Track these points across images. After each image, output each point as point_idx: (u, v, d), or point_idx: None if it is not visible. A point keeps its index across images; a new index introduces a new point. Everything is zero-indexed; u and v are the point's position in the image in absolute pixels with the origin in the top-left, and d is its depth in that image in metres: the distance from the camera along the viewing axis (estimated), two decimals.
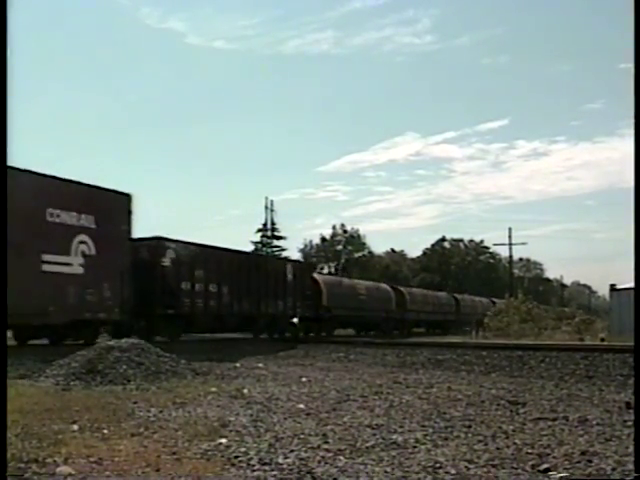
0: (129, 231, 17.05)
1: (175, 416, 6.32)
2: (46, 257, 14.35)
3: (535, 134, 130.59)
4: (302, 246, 66.07)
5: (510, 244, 56.06)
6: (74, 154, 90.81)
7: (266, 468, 4.30)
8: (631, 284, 21.75)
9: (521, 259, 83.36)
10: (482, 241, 76.92)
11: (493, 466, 4.34)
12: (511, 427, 5.80)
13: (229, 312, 21.21)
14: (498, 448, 4.88)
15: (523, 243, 65.00)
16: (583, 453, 4.67)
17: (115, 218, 16.56)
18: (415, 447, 4.94)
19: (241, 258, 23.26)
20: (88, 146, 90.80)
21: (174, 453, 4.67)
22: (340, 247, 67.92)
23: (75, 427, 5.57)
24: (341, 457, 4.59)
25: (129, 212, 17.00)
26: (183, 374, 9.92)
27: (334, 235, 68.30)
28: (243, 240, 58.82)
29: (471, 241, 78.24)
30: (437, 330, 39.33)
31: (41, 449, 4.68)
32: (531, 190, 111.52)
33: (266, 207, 49.51)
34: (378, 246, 74.18)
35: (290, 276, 24.84)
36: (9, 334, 15.64)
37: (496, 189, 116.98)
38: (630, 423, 5.85)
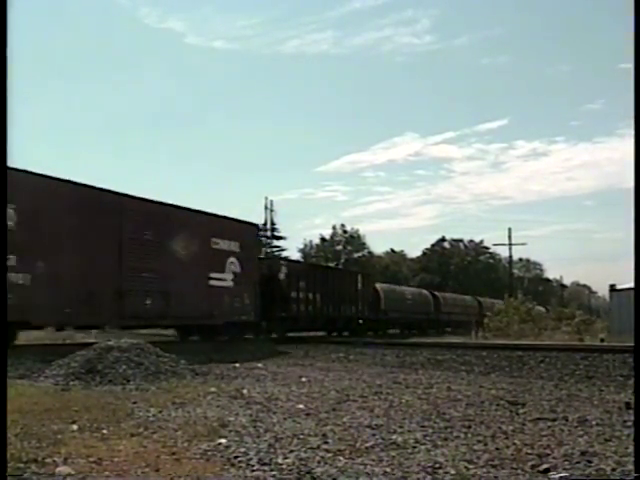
0: (258, 252, 22.42)
1: (174, 416, 6.32)
2: (212, 275, 18.91)
3: (534, 134, 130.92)
4: (302, 246, 66.15)
5: (510, 244, 56.07)
6: (73, 153, 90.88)
7: (265, 468, 4.30)
8: (631, 284, 21.75)
9: (521, 259, 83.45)
10: (482, 241, 77.01)
11: (493, 466, 4.34)
12: (511, 427, 5.80)
13: (320, 314, 26.44)
14: (498, 448, 4.88)
15: (523, 243, 65.21)
16: (583, 453, 4.67)
17: (250, 243, 21.50)
18: (415, 447, 4.94)
19: (328, 271, 31.11)
20: (87, 145, 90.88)
21: (173, 453, 4.67)
22: (340, 247, 67.97)
23: (74, 427, 5.57)
24: (341, 457, 4.59)
25: (258, 238, 22.75)
26: (183, 374, 9.92)
27: (334, 235, 68.38)
28: None
29: (471, 241, 78.32)
30: (461, 330, 41.09)
31: (40, 449, 4.68)
32: (530, 190, 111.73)
33: (266, 207, 49.58)
34: (378, 246, 74.34)
35: (360, 285, 30.35)
36: (170, 332, 22.02)
37: (495, 189, 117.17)
38: (630, 423, 5.85)
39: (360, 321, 29.98)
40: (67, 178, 14.81)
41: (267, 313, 21.89)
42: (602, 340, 23.01)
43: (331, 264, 64.35)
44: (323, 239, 68.50)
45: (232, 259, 19.72)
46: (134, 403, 7.11)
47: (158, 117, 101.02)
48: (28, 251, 13.30)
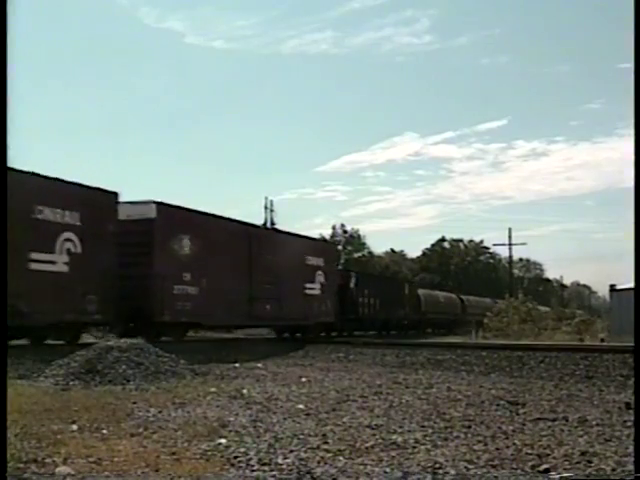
0: (338, 265, 28.49)
1: (174, 416, 6.32)
2: (306, 285, 23.12)
3: (534, 134, 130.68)
4: None
5: (510, 244, 56.08)
6: (73, 153, 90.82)
7: (265, 468, 4.30)
8: (631, 284, 21.75)
9: (521, 259, 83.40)
10: (482, 241, 76.95)
11: (493, 466, 4.34)
12: (511, 427, 5.80)
13: (378, 317, 30.86)
14: (498, 448, 4.88)
15: (523, 243, 64.85)
16: (583, 453, 4.67)
17: (331, 258, 26.39)
18: (415, 447, 4.93)
19: (383, 280, 37.40)
20: (86, 145, 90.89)
21: (173, 453, 4.67)
22: (340, 247, 67.90)
23: (74, 427, 5.57)
24: (341, 457, 4.59)
25: (338, 253, 28.20)
26: (182, 374, 9.92)
27: (334, 235, 68.30)
28: None
29: (471, 241, 78.26)
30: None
31: (40, 449, 4.68)
32: (530, 190, 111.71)
33: (266, 207, 49.56)
34: (378, 246, 74.23)
35: (406, 291, 35.91)
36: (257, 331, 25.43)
37: (495, 189, 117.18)
38: (630, 423, 5.85)
39: (405, 322, 35.03)
40: (221, 215, 19.63)
41: (341, 315, 26.19)
42: (602, 340, 23.01)
43: None
44: (323, 239, 68.49)
45: (319, 272, 24.07)
46: (134, 403, 7.11)
47: (157, 117, 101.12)
48: (197, 270, 17.34)
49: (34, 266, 13.71)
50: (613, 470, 4.23)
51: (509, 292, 46.04)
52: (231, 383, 9.41)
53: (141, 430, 5.53)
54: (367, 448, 4.90)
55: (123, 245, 15.32)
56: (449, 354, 15.34)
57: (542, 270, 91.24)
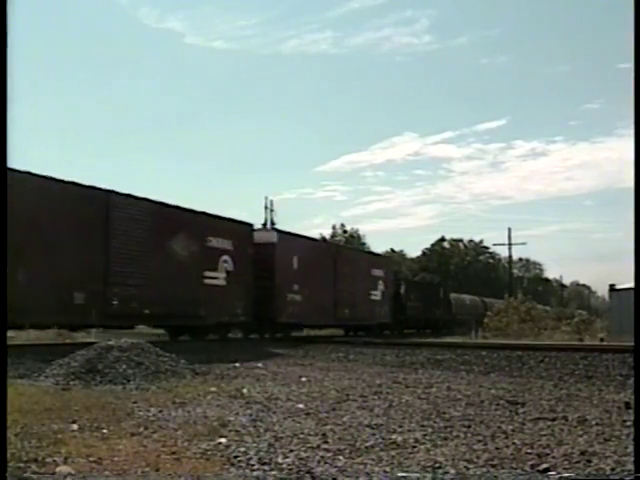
0: (393, 276, 33.38)
1: (175, 416, 6.33)
2: (371, 292, 28.82)
3: (533, 134, 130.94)
4: None
5: (510, 244, 56.13)
6: (72, 154, 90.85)
7: (265, 468, 4.30)
8: (631, 284, 21.75)
9: (520, 259, 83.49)
10: (482, 241, 77.01)
11: (492, 466, 4.35)
12: (510, 427, 5.80)
13: (422, 317, 36.21)
14: (497, 448, 4.89)
15: (522, 243, 65.09)
16: (582, 453, 4.67)
17: (390, 270, 32.72)
18: (414, 447, 4.94)
19: (425, 286, 43.26)
20: (86, 146, 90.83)
21: (174, 453, 4.68)
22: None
23: (75, 426, 5.57)
24: (340, 457, 4.60)
25: (394, 265, 36.27)
26: (183, 374, 9.92)
27: (334, 235, 68.32)
28: None
29: (471, 241, 78.29)
30: None
31: (41, 449, 4.68)
32: (530, 190, 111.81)
33: (266, 207, 49.57)
34: (377, 246, 74.18)
35: (441, 295, 41.77)
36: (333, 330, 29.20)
37: (494, 189, 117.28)
38: (629, 423, 5.85)
39: (440, 321, 39.82)
40: (315, 237, 30.63)
41: (394, 316, 31.22)
42: (602, 340, 23.02)
43: None
44: (323, 239, 68.47)
45: (380, 281, 29.47)
46: (134, 403, 7.12)
47: (157, 117, 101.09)
48: (301, 282, 22.73)
49: (207, 281, 18.85)
50: (613, 470, 4.23)
51: (509, 292, 46.05)
52: (231, 383, 9.41)
53: (141, 429, 5.54)
54: (367, 447, 4.91)
55: (255, 263, 20.77)
56: (449, 354, 15.35)
57: (542, 270, 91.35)
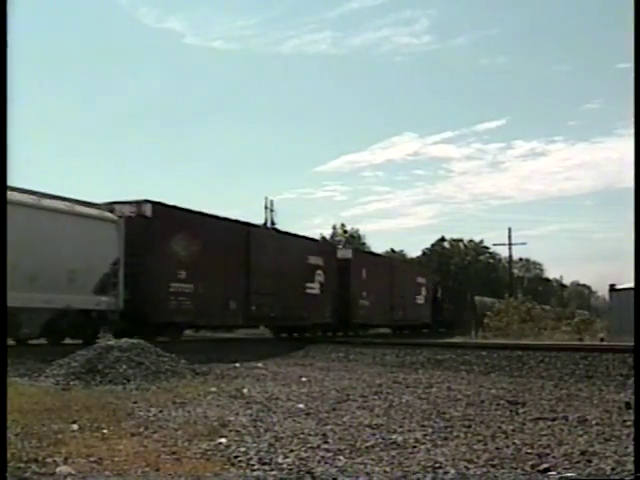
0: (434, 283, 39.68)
1: (175, 416, 6.33)
2: (416, 297, 34.17)
3: (533, 134, 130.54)
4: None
5: (510, 244, 56.12)
6: (71, 154, 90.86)
7: (266, 468, 4.30)
8: (631, 284, 21.75)
9: (521, 259, 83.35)
10: (482, 241, 76.92)
11: (493, 466, 4.35)
12: (511, 427, 5.80)
13: (454, 318, 39.63)
14: (498, 448, 4.89)
15: (523, 243, 65.03)
16: (583, 453, 4.67)
17: (430, 278, 38.79)
18: (415, 447, 4.94)
19: (456, 290, 47.11)
20: (86, 146, 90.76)
21: (174, 453, 4.68)
22: (340, 247, 67.77)
23: (75, 427, 5.57)
24: (341, 457, 4.60)
25: (434, 275, 40.27)
26: (183, 374, 9.92)
27: (334, 235, 68.29)
28: None
29: (471, 241, 78.22)
30: None
31: (41, 449, 4.68)
32: (529, 190, 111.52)
33: (266, 207, 49.59)
34: (378, 246, 74.19)
35: (468, 298, 44.99)
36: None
37: (494, 189, 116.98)
38: (629, 423, 5.86)
39: (467, 321, 44.11)
40: (378, 252, 41.39)
41: (432, 317, 35.83)
42: (602, 340, 23.02)
43: None
44: (324, 239, 68.49)
45: (423, 288, 35.21)
46: (134, 403, 7.12)
47: (157, 117, 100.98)
48: (369, 290, 27.83)
49: (307, 291, 23.77)
50: (613, 470, 4.23)
51: (509, 292, 46.07)
52: (231, 383, 9.41)
53: (142, 430, 5.54)
54: (367, 448, 4.91)
55: (337, 274, 25.82)
56: (449, 354, 15.34)
57: (542, 270, 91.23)
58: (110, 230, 15.75)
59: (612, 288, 29.46)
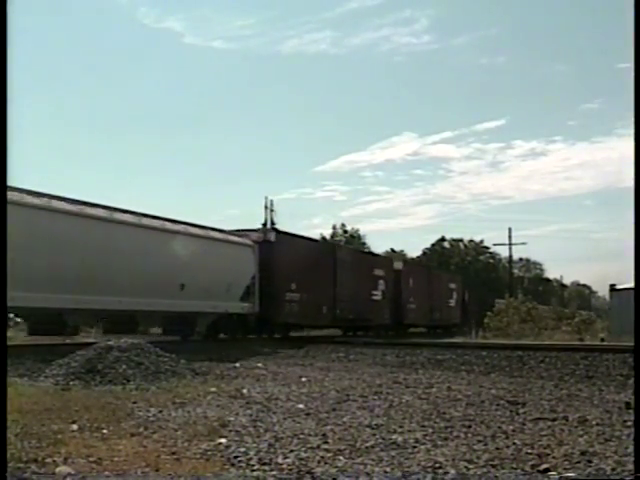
0: (462, 287, 43.36)
1: (174, 416, 6.32)
2: (449, 300, 39.12)
3: (532, 134, 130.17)
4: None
5: (510, 244, 56.14)
6: (71, 155, 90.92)
7: (266, 468, 4.30)
8: (631, 284, 21.75)
9: (521, 259, 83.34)
10: (482, 241, 76.88)
11: (493, 466, 4.34)
12: (511, 427, 5.80)
13: (478, 318, 39.49)
14: (498, 448, 4.88)
15: (523, 243, 65.14)
16: (583, 453, 4.67)
17: (461, 284, 42.68)
18: (415, 447, 4.94)
19: (479, 293, 48.87)
20: (85, 147, 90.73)
21: (173, 453, 4.67)
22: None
23: (74, 427, 5.56)
24: (341, 457, 4.60)
25: (463, 281, 44.51)
26: (183, 374, 9.91)
27: (334, 235, 68.28)
28: None
29: (471, 241, 78.18)
30: None
31: (40, 449, 4.68)
32: (529, 190, 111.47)
33: (266, 207, 49.60)
34: (378, 246, 74.16)
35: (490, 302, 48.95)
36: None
37: (494, 189, 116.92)
38: (630, 423, 5.85)
39: None
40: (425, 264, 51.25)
41: (461, 318, 39.22)
42: (602, 340, 23.03)
43: None
44: (324, 239, 68.47)
45: (454, 292, 39.77)
46: (134, 403, 7.11)
47: (156, 117, 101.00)
48: (414, 296, 33.15)
49: (373, 297, 29.23)
50: (613, 470, 4.23)
51: (509, 292, 46.06)
52: (231, 383, 9.41)
53: (141, 430, 5.54)
54: (367, 448, 4.91)
55: (392, 283, 31.10)
56: (449, 354, 15.34)
57: (542, 270, 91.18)
58: (249, 253, 21.15)
59: (612, 288, 29.50)
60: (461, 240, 78.29)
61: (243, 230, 22.22)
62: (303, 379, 10.05)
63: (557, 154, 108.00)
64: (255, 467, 4.32)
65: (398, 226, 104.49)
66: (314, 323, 26.07)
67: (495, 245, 69.34)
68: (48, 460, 4.37)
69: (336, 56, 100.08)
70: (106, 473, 4.14)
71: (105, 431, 5.42)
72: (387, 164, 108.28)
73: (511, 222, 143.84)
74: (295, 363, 13.72)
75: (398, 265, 33.40)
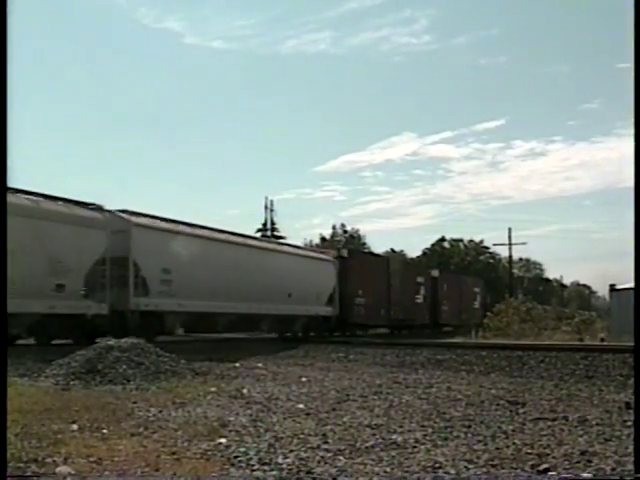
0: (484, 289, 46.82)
1: (175, 416, 6.33)
2: (474, 302, 43.44)
3: (532, 134, 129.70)
4: (302, 245, 65.87)
5: (510, 244, 56.12)
6: (70, 155, 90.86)
7: (266, 468, 4.30)
8: (631, 284, 21.74)
9: (521, 259, 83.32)
10: (482, 241, 76.87)
11: (493, 466, 4.34)
12: (511, 427, 5.80)
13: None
14: (498, 448, 4.89)
15: (523, 243, 65.05)
16: (583, 453, 4.67)
17: (483, 287, 46.19)
18: (415, 447, 4.94)
19: (499, 295, 50.69)
20: (84, 147, 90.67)
21: (174, 453, 4.68)
22: (340, 247, 67.70)
23: (75, 427, 5.57)
24: (341, 457, 4.60)
25: (484, 284, 47.09)
26: (183, 374, 9.92)
27: (334, 235, 68.28)
28: None
29: (471, 241, 78.17)
30: None
31: (41, 449, 4.68)
32: (529, 190, 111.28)
33: (266, 207, 49.65)
34: (377, 246, 74.16)
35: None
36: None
37: (494, 189, 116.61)
38: (630, 423, 5.85)
39: None
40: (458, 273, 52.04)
41: (482, 317, 39.39)
42: (602, 340, 23.01)
43: None
44: (323, 239, 68.31)
45: (478, 295, 43.75)
46: (134, 403, 7.12)
47: (156, 117, 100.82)
48: (447, 299, 38.48)
49: (416, 301, 34.26)
50: (613, 470, 4.23)
51: (509, 292, 46.07)
52: (231, 383, 9.41)
53: (141, 430, 5.54)
54: (367, 448, 4.91)
55: (430, 288, 36.28)
56: (449, 354, 15.34)
57: (542, 270, 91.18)
58: (332, 267, 27.31)
59: (612, 288, 29.48)
60: (461, 240, 78.29)
61: (322, 247, 31.26)
62: (303, 379, 10.06)
63: (557, 154, 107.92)
64: (255, 467, 4.32)
65: (398, 226, 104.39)
66: (375, 323, 31.04)
67: (495, 245, 69.36)
68: (48, 460, 4.38)
69: (336, 56, 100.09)
70: (106, 473, 4.15)
71: (105, 431, 5.43)
72: (387, 164, 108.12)
73: (511, 222, 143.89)
74: (295, 363, 13.73)
75: (435, 273, 38.72)
